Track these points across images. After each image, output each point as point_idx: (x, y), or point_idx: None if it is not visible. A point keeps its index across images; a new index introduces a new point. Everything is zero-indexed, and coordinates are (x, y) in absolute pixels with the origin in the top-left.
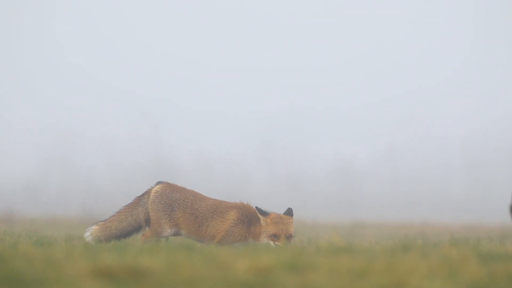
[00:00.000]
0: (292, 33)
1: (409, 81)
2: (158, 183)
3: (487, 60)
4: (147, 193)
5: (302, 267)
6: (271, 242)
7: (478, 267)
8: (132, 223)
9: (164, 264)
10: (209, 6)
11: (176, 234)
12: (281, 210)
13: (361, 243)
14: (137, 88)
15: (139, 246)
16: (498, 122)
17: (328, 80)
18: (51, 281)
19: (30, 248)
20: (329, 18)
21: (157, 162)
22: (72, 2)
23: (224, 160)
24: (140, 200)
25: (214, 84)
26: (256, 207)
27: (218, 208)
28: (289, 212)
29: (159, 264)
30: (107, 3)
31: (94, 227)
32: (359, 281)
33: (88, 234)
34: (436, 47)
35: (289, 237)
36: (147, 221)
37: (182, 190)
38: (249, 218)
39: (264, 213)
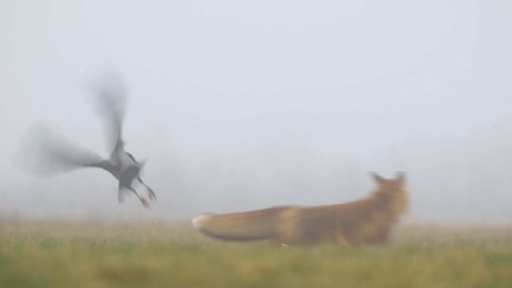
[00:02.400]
0: (297, 38)
1: (412, 84)
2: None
3: (490, 62)
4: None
5: (307, 269)
6: None
7: (483, 269)
8: (253, 233)
9: (169, 265)
10: (214, 11)
11: None
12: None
13: (366, 246)
14: (142, 90)
15: (144, 247)
16: (502, 124)
17: (332, 83)
18: (56, 283)
19: (36, 249)
20: (333, 23)
21: (161, 163)
22: (74, 4)
23: (229, 162)
24: (266, 217)
25: (218, 87)
26: None
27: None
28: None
29: (164, 265)
30: (112, 7)
31: (203, 217)
32: (364, 283)
33: (196, 221)
34: (438, 50)
35: None
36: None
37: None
38: None
39: None
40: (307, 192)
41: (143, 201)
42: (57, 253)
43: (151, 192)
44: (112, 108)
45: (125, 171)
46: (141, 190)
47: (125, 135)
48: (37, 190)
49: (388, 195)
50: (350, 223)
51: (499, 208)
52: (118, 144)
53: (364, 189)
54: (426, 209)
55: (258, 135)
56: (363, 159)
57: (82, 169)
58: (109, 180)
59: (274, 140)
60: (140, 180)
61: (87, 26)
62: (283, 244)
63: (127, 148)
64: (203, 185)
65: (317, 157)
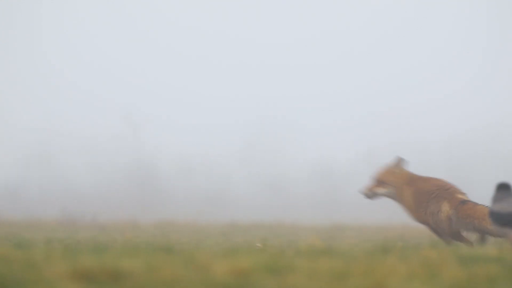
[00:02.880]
0: (282, 47)
1: (390, 86)
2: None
3: (466, 67)
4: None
5: (281, 269)
6: None
7: (457, 269)
8: None
9: (143, 266)
10: (193, 18)
11: None
12: (263, 213)
13: (341, 246)
14: (118, 92)
15: (118, 248)
16: (478, 129)
17: (310, 84)
18: (31, 284)
19: (10, 250)
20: (316, 30)
21: (137, 164)
22: (57, 11)
23: (204, 163)
24: None
25: (196, 90)
26: None
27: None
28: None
29: (138, 266)
30: (91, 11)
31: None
32: (338, 284)
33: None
34: (420, 52)
35: None
36: None
37: None
38: None
39: None
40: (283, 192)
41: None
42: (31, 254)
43: None
44: None
45: None
46: None
47: (101, 136)
48: (10, 191)
49: None
50: None
51: None
52: None
53: (339, 190)
54: (401, 210)
55: (234, 136)
56: (339, 159)
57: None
58: (83, 182)
59: (251, 142)
60: None
61: (72, 29)
62: (257, 244)
63: (103, 149)
64: (178, 186)
65: (293, 157)
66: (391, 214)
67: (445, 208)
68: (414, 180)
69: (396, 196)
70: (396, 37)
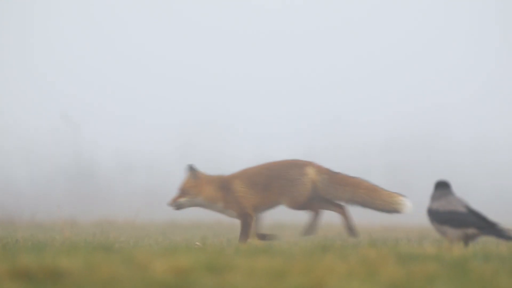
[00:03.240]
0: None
1: (342, 87)
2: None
3: (404, 68)
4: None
5: (221, 268)
6: None
7: (396, 268)
8: None
9: (82, 265)
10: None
11: None
12: (202, 212)
13: (280, 244)
14: (57, 86)
15: (57, 246)
16: (417, 128)
17: (251, 83)
18: None
19: None
20: (276, 23)
21: (76, 160)
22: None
23: (144, 160)
24: None
25: (136, 86)
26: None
27: None
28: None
29: (77, 264)
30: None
31: None
32: (278, 282)
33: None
34: (380, 54)
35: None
36: None
37: None
38: None
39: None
40: None
41: None
42: None
43: None
44: None
45: None
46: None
47: (40, 134)
48: None
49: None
50: None
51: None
52: None
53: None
54: None
55: (175, 134)
56: (278, 157)
57: None
58: (22, 180)
59: (191, 139)
60: None
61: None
62: (196, 243)
63: (41, 145)
64: (118, 183)
65: (232, 155)
66: (329, 213)
67: (310, 171)
68: (223, 178)
69: (206, 202)
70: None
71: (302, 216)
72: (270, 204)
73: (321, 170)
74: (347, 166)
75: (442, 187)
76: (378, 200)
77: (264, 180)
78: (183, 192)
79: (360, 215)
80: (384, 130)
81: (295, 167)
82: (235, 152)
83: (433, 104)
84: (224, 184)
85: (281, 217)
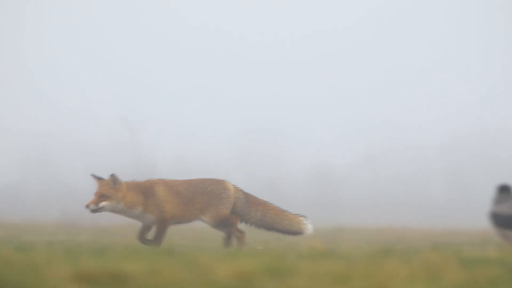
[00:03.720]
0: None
1: (390, 89)
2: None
3: (464, 71)
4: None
5: (283, 272)
6: None
7: (459, 272)
8: None
9: (146, 269)
10: (199, 19)
11: None
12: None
13: (341, 248)
14: (117, 93)
15: (119, 250)
16: (475, 133)
17: (307, 93)
18: (33, 286)
19: (12, 253)
20: (311, 37)
21: (136, 166)
22: (60, 13)
23: (203, 164)
24: None
25: (192, 92)
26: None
27: None
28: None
29: (140, 268)
30: (93, 13)
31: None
32: (340, 286)
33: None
34: (420, 56)
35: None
36: None
37: None
38: None
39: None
40: (281, 194)
41: None
42: (33, 256)
43: None
44: None
45: None
46: None
47: (100, 138)
48: (10, 193)
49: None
50: None
51: (473, 212)
52: None
53: (337, 192)
54: (401, 212)
55: (232, 138)
56: (338, 161)
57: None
58: (83, 184)
59: (249, 143)
60: None
61: (75, 31)
62: (258, 247)
63: (102, 151)
64: None
65: (291, 159)
66: (390, 217)
67: (231, 187)
68: (144, 183)
69: (125, 208)
70: (396, 41)
71: (365, 220)
72: (189, 218)
73: (237, 188)
74: (405, 171)
75: (504, 190)
76: (285, 220)
77: (188, 193)
78: (104, 196)
79: (420, 219)
80: (439, 130)
81: (217, 183)
82: (294, 159)
83: (482, 96)
84: (145, 189)
85: (340, 221)
